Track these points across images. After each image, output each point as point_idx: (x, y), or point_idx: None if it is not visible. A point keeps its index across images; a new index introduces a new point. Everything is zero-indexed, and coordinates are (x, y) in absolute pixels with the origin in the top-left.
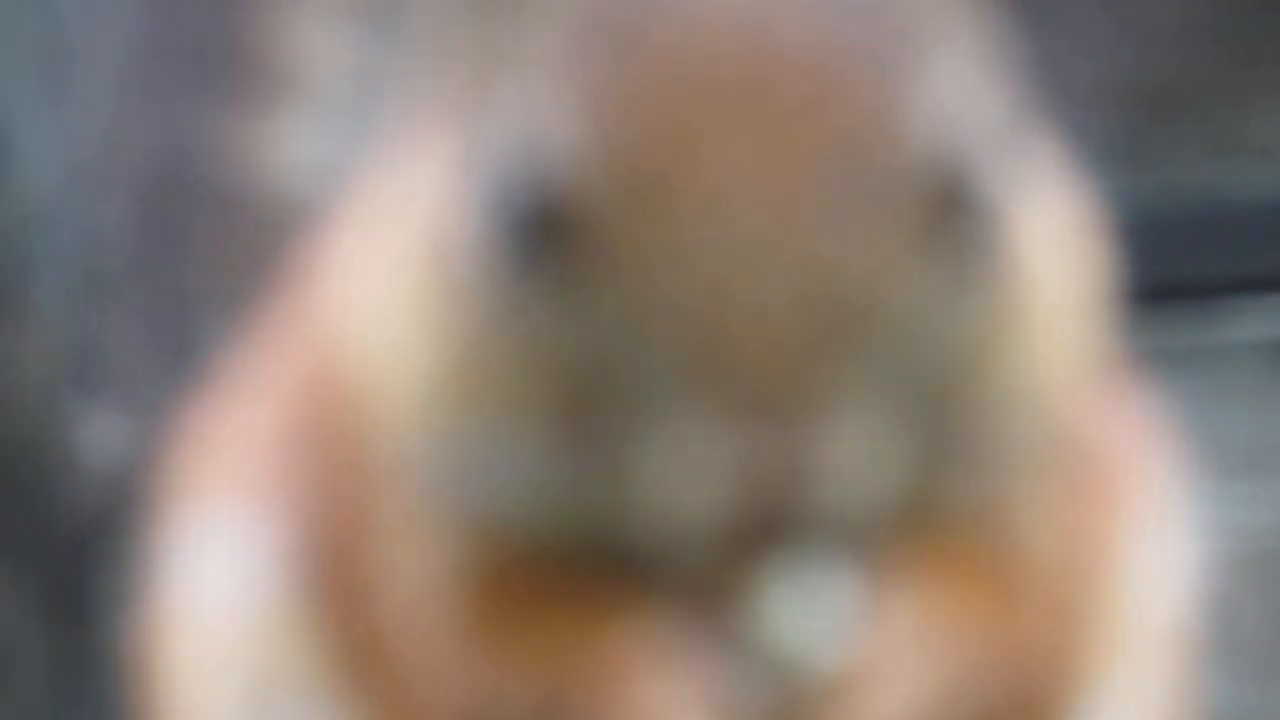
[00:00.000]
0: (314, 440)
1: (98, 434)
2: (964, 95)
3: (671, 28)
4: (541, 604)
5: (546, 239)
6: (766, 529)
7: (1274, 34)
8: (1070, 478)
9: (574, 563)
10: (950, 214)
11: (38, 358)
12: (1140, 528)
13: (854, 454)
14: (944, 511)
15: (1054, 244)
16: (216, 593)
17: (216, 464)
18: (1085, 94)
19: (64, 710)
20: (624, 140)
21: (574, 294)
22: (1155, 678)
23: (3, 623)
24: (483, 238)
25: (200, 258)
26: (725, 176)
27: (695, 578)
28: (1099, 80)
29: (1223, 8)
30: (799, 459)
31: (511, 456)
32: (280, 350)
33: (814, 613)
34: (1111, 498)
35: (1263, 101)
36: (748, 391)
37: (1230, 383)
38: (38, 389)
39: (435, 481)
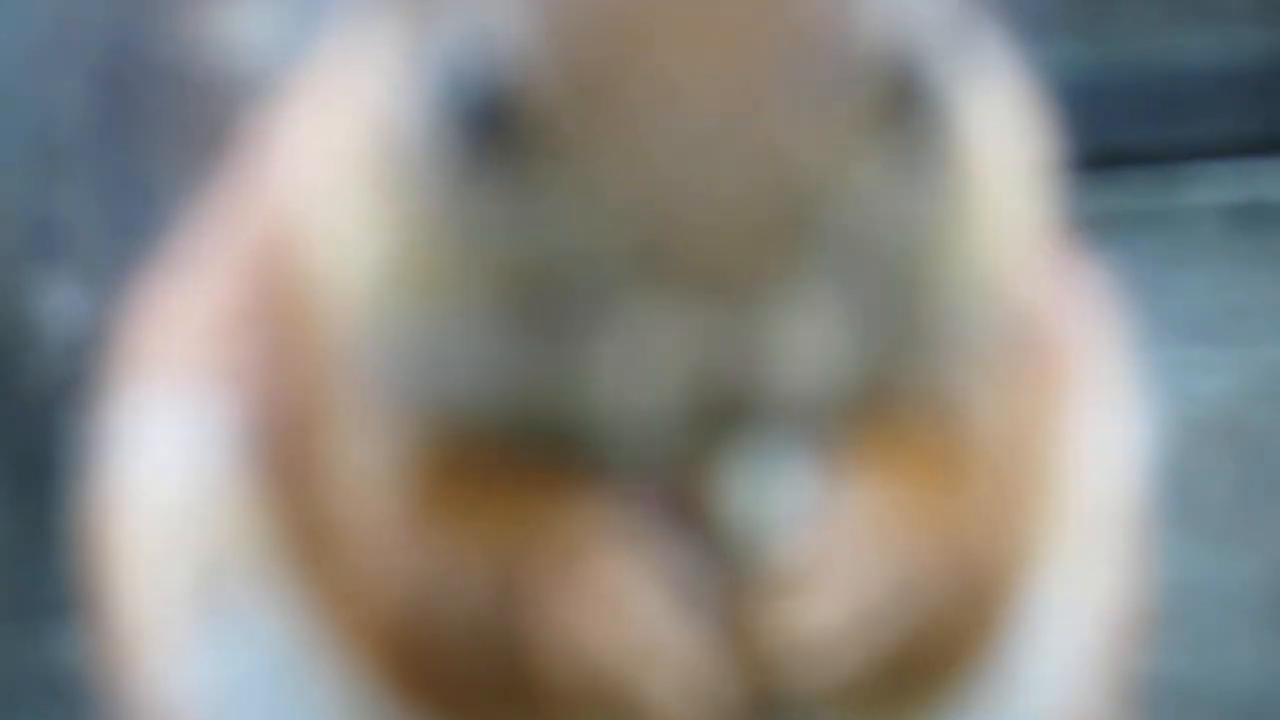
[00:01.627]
0: (264, 320)
1: (58, 305)
2: None
3: None
4: (494, 488)
5: (495, 132)
6: (722, 414)
7: None
8: (1018, 359)
9: (527, 447)
10: (899, 102)
11: (10, 216)
12: (1087, 404)
13: (807, 339)
14: (897, 397)
15: (1000, 129)
16: (165, 469)
17: (167, 340)
18: None
19: (27, 578)
20: (572, 32)
21: (523, 186)
22: (1105, 552)
23: None
24: (432, 130)
25: (156, 134)
26: (675, 67)
27: (652, 462)
28: None
29: None
30: (753, 344)
31: (462, 345)
32: (232, 229)
33: (770, 496)
34: (1058, 377)
35: None
36: (701, 278)
37: (1188, 247)
38: (7, 252)
39: (386, 368)
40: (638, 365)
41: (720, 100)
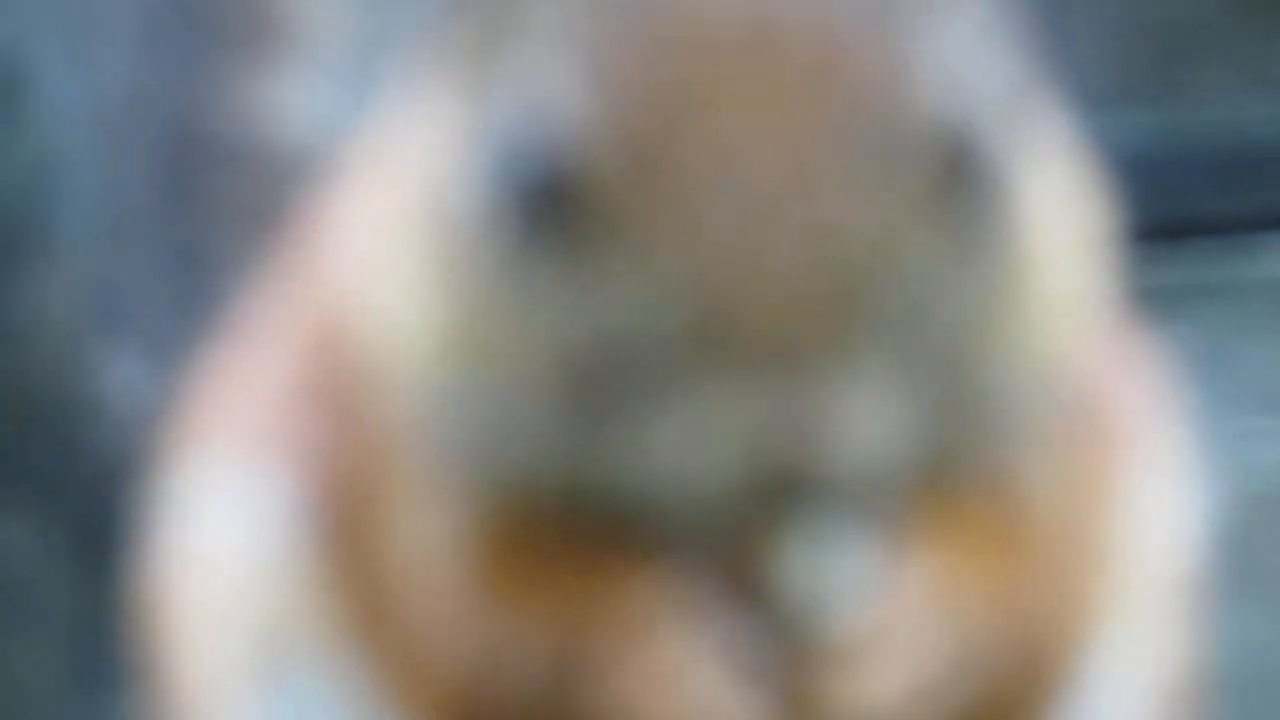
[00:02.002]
0: (324, 394)
1: (121, 378)
2: (970, 55)
3: (676, 3)
4: (553, 564)
5: (552, 207)
6: (781, 492)
7: None
8: (1075, 432)
9: (586, 523)
10: (957, 175)
11: (61, 302)
12: (1145, 477)
13: (866, 417)
14: (955, 472)
15: (1059, 201)
16: (224, 543)
17: (227, 414)
18: (1112, 32)
19: (85, 652)
20: (629, 108)
21: (580, 262)
22: (1162, 627)
23: (27, 564)
24: (488, 205)
25: (215, 208)
26: (731, 142)
27: (711, 539)
28: (1124, 19)
29: None
30: (811, 424)
31: (518, 421)
32: (290, 303)
33: (829, 574)
34: (1117, 450)
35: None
36: (758, 357)
37: (1253, 317)
38: (61, 333)
39: (443, 443)
40: (696, 443)
41: (779, 175)
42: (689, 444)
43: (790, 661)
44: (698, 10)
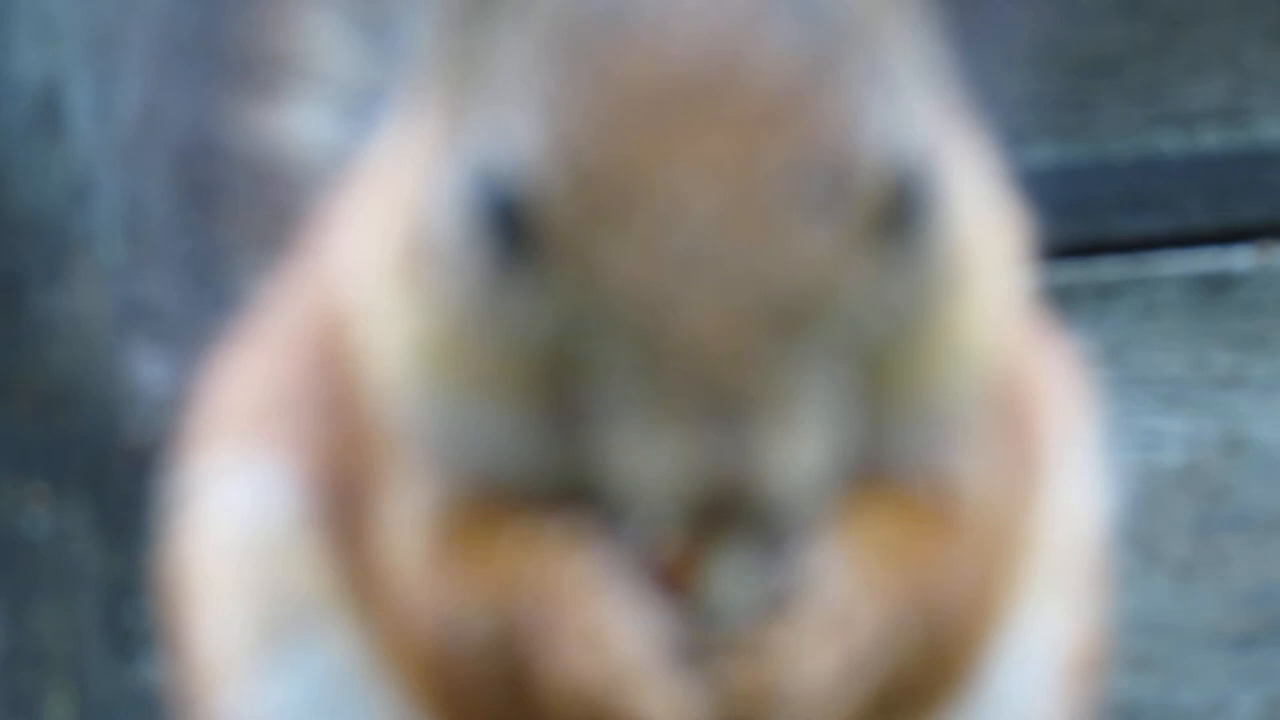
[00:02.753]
0: (321, 388)
1: (148, 375)
2: (907, 96)
3: (628, 45)
4: (508, 540)
5: (511, 233)
6: (716, 501)
7: (1190, 10)
8: (999, 424)
9: (539, 506)
10: (897, 209)
11: (97, 305)
12: (1061, 461)
13: (796, 446)
14: (891, 463)
15: (985, 224)
16: (236, 520)
17: (239, 406)
18: (1026, 71)
19: (123, 612)
20: (579, 149)
21: (536, 282)
22: (1074, 598)
23: (66, 538)
24: (459, 225)
25: (228, 222)
26: (679, 181)
27: (649, 527)
28: (1038, 58)
29: None
30: (746, 448)
31: (483, 420)
32: (294, 307)
33: (754, 571)
34: (1039, 440)
35: (1178, 73)
36: (698, 381)
37: (1151, 323)
38: (97, 331)
39: (417, 435)
40: (640, 452)
41: (718, 215)
42: (634, 453)
43: (719, 644)
44: (647, 61)
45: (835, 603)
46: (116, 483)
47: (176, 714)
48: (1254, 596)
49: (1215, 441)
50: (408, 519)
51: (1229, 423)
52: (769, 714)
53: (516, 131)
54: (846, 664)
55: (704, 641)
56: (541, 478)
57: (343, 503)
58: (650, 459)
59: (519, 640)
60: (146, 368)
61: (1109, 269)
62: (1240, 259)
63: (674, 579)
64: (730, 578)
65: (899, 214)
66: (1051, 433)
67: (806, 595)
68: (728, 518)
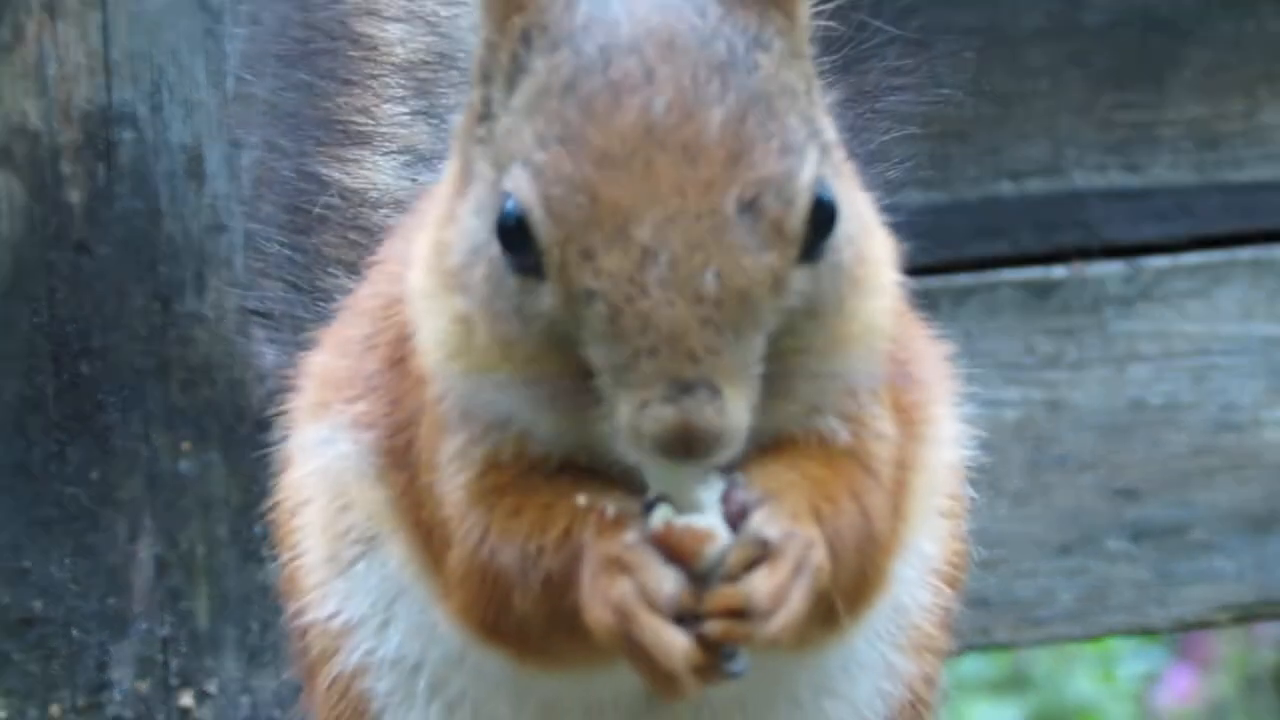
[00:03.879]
0: (385, 364)
1: (267, 359)
2: (819, 145)
3: (588, 110)
4: (540, 487)
5: (523, 253)
6: (685, 453)
7: (1019, 94)
8: (895, 386)
9: (555, 457)
10: (814, 227)
11: (232, 307)
12: (939, 416)
13: (742, 413)
14: (817, 419)
15: (872, 236)
16: (319, 466)
17: (325, 377)
18: (908, 135)
19: (244, 540)
20: (554, 198)
21: (538, 289)
22: (947, 519)
23: (207, 480)
24: (487, 244)
25: (321, 247)
26: (623, 213)
27: (643, 473)
28: (914, 125)
29: (992, 68)
30: (709, 407)
31: (511, 397)
32: (365, 304)
33: (714, 497)
34: (922, 397)
35: (1011, 139)
36: (663, 360)
37: (993, 320)
38: (227, 329)
39: (458, 401)
40: (623, 410)
41: (661, 231)
42: (619, 411)
43: (704, 555)
44: (611, 142)
45: (790, 546)
46: (242, 436)
47: (285, 605)
48: (1069, 517)
49: (1040, 405)
50: (453, 463)
51: (1050, 392)
52: (746, 632)
53: (523, 184)
54: (806, 592)
55: (695, 580)
56: (560, 437)
57: (398, 446)
58: (631, 416)
59: (548, 562)
60: (263, 353)
61: (962, 280)
62: (1057, 273)
63: (671, 547)
64: (699, 499)
65: (816, 231)
66: (928, 396)
67: (762, 549)
68: (687, 451)
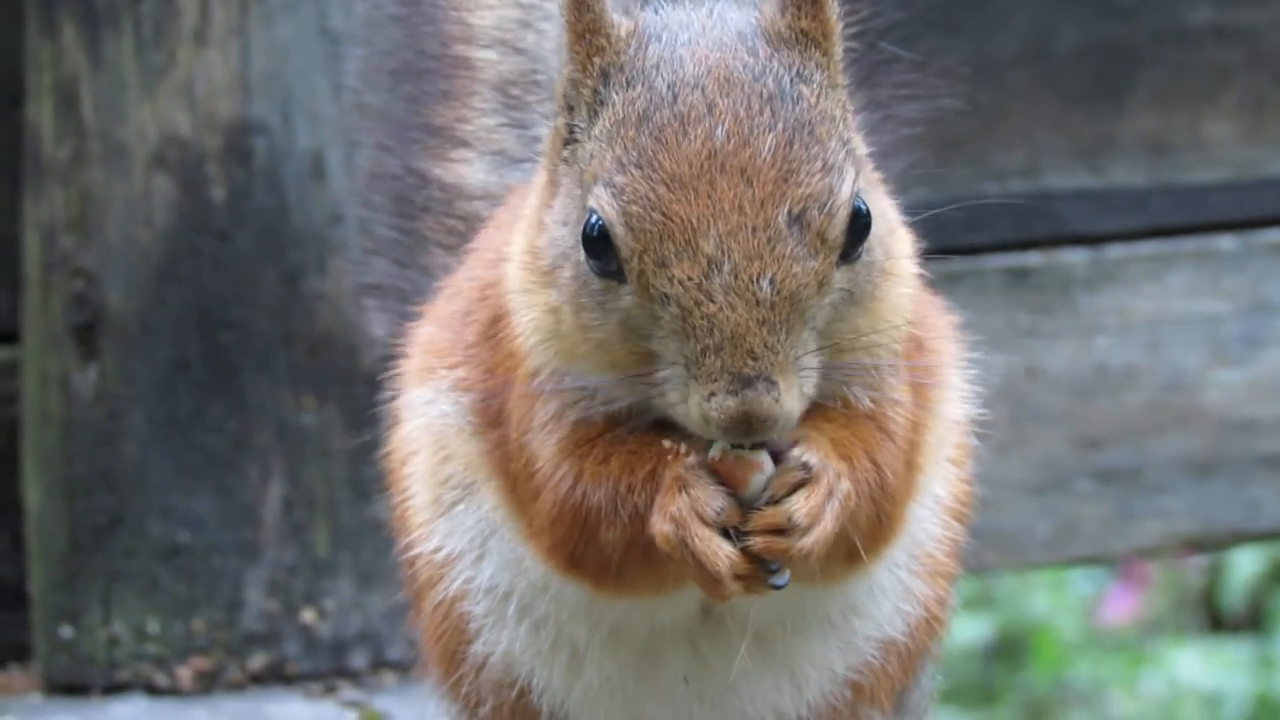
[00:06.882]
0: (482, 335)
1: (378, 328)
2: (854, 162)
3: (660, 136)
4: (615, 437)
5: (604, 260)
6: (745, 430)
7: (1001, 110)
8: (912, 356)
9: (636, 423)
10: (857, 231)
11: (349, 283)
12: (949, 375)
13: (795, 394)
14: (847, 391)
15: (894, 232)
16: (424, 419)
17: (429, 344)
18: (914, 144)
19: (359, 482)
20: (630, 209)
21: (618, 290)
22: (955, 466)
23: (327, 432)
24: (575, 248)
25: (424, 233)
26: (686, 229)
27: (707, 438)
28: (919, 136)
29: (979, 88)
30: (766, 397)
31: (590, 370)
32: (464, 283)
33: (766, 456)
34: (935, 359)
35: (996, 147)
36: (728, 366)
37: (982, 297)
38: (345, 303)
39: (550, 374)
40: (694, 407)
41: (723, 241)
42: (691, 408)
43: (754, 495)
44: (679, 165)
45: (825, 474)
46: (358, 394)
47: (396, 539)
48: (1044, 463)
49: (1020, 369)
50: (546, 425)
51: (1028, 358)
52: (785, 546)
53: (604, 201)
54: (836, 514)
55: (743, 505)
56: (632, 403)
57: (492, 405)
58: (700, 404)
59: (636, 497)
60: (376, 324)
61: (955, 265)
62: (1033, 259)
63: (725, 475)
64: (755, 454)
65: (854, 237)
66: (942, 361)
67: (804, 473)
68: (747, 434)
